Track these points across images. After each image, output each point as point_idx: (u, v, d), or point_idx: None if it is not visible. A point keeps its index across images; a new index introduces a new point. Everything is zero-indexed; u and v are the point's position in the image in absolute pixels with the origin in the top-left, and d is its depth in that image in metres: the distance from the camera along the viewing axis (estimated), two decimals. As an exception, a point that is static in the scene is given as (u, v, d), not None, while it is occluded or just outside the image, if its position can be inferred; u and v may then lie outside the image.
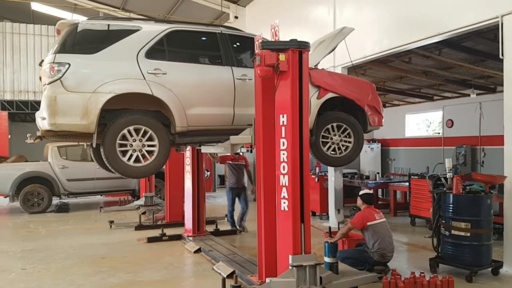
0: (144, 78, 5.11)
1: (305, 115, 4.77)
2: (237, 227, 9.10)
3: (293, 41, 4.72)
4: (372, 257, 5.64)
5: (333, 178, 9.84)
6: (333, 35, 6.58)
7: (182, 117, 5.32)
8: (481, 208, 5.68)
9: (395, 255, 6.10)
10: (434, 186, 6.31)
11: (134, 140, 5.07)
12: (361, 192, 6.15)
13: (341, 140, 6.07)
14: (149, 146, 5.15)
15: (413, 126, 15.13)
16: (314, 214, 10.82)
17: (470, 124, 12.34)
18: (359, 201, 6.03)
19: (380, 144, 15.47)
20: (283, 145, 4.72)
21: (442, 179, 6.24)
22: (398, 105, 15.03)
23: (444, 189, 6.01)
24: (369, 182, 11.62)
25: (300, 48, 4.71)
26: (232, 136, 5.40)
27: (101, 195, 14.50)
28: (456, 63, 9.34)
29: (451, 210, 5.76)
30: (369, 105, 6.24)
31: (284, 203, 4.72)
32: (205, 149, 6.17)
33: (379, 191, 13.20)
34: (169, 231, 8.49)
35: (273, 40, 4.99)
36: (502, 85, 11.21)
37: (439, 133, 14.00)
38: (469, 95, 12.02)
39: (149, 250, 7.66)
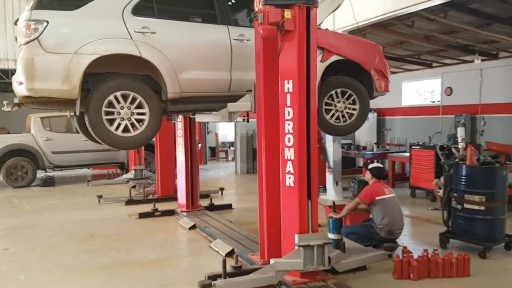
0: (131, 38, 4.59)
1: (313, 81, 4.30)
2: None
3: (300, -5, 4.20)
4: (379, 233, 5.29)
5: (332, 149, 9.44)
6: None
7: (174, 82, 4.83)
8: (496, 180, 5.32)
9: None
10: (444, 156, 5.94)
11: (122, 108, 4.58)
12: (370, 166, 5.76)
13: (345, 108, 5.63)
14: (138, 114, 4.67)
15: (410, 95, 14.71)
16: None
17: (470, 92, 11.97)
18: (368, 175, 5.64)
19: (375, 113, 15.08)
20: (288, 114, 4.26)
21: (453, 150, 5.88)
22: (395, 72, 14.55)
23: (457, 160, 5.64)
24: (366, 152, 11.33)
25: (307, 3, 4.19)
26: (229, 103, 4.93)
27: (88, 168, 14.00)
28: (461, 27, 8.85)
29: (463, 183, 5.40)
30: (376, 69, 5.81)
31: (290, 178, 4.29)
32: (199, 118, 5.69)
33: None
34: (161, 206, 8.09)
35: (276, -5, 4.44)
36: (505, 50, 10.89)
37: (433, 101, 13.62)
38: (469, 61, 11.63)
39: (141, 226, 7.26)
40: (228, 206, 8.54)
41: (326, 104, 5.57)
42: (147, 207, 8.06)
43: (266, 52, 4.52)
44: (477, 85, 11.70)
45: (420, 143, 9.58)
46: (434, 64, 13.20)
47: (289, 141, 4.28)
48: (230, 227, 6.50)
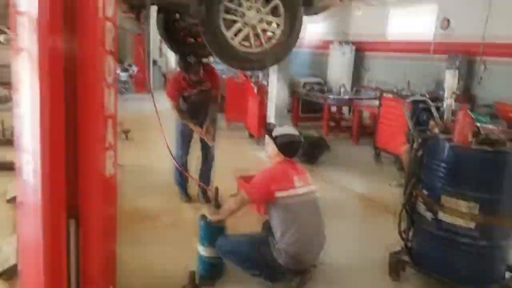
0: None
1: None
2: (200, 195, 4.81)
3: None
4: (277, 258, 2.87)
5: (275, 89, 6.88)
6: None
7: None
8: (504, 177, 2.87)
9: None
10: (414, 120, 3.46)
11: None
12: (276, 131, 3.10)
13: (260, 21, 3.29)
14: None
15: (398, 26, 11.86)
16: (251, 137, 8.10)
17: (471, 26, 9.22)
18: (271, 148, 3.08)
19: (354, 47, 12.31)
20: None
21: (432, 109, 3.39)
22: (382, -4, 11.61)
23: (436, 130, 3.15)
24: (329, 96, 8.85)
25: None
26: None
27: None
28: None
29: (443, 175, 2.94)
30: None
31: (28, 164, 1.80)
32: None
33: (345, 109, 10.50)
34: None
35: None
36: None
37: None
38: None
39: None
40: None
41: (227, 11, 3.19)
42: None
43: None
44: (482, 17, 8.93)
45: (395, 90, 7.03)
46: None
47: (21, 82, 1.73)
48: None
